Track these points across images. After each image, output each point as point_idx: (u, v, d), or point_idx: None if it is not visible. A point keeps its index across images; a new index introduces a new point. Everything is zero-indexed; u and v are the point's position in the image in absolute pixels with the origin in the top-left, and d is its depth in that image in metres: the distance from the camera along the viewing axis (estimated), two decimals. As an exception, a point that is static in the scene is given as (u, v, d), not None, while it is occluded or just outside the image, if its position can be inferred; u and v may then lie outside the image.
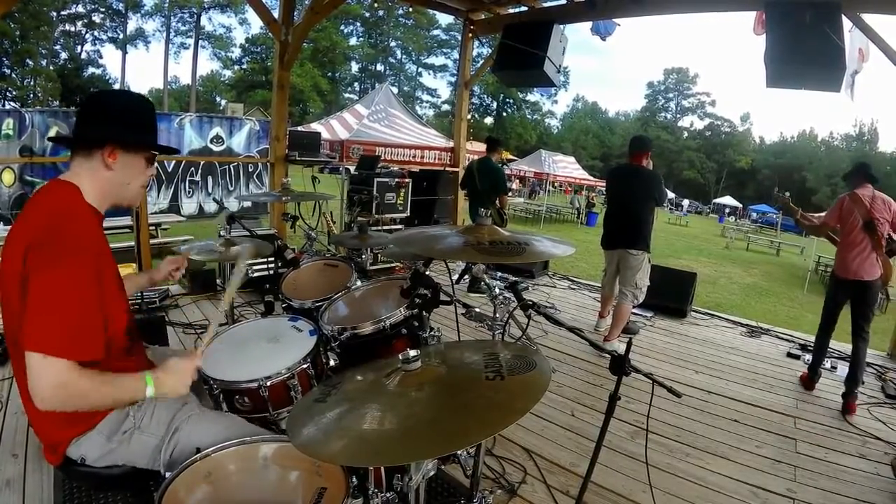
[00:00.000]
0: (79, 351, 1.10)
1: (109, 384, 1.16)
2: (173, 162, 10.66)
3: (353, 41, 49.87)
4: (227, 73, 44.46)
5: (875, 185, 3.40)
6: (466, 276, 5.34)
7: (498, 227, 1.63)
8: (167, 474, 1.19)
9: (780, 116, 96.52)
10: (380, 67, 51.86)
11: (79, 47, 36.13)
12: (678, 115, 57.18)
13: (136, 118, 1.35)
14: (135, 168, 1.35)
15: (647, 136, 4.55)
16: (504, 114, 52.31)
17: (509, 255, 1.49)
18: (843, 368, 3.86)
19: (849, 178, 3.54)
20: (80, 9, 34.34)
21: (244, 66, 43.89)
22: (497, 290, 1.77)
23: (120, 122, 1.30)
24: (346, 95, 46.81)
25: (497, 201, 5.19)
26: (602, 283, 4.54)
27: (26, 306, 1.09)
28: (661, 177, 4.15)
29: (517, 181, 29.52)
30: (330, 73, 46.43)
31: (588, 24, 5.64)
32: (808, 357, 4.13)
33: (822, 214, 3.76)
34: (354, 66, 51.43)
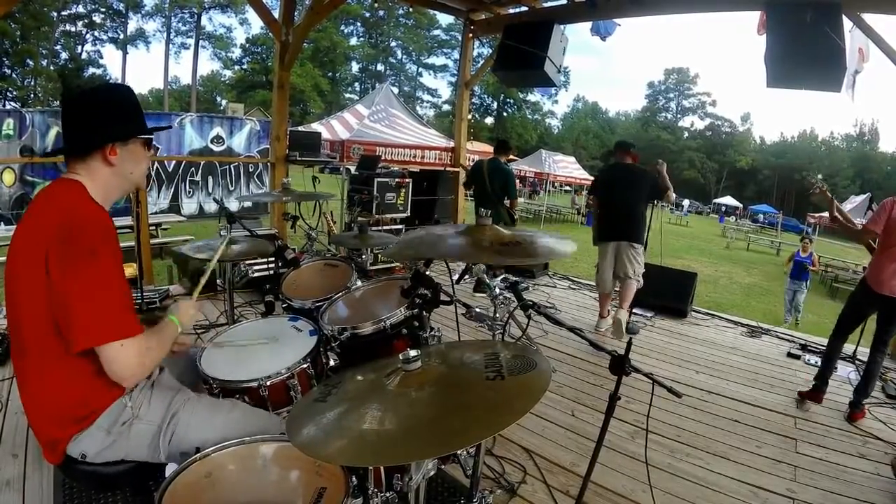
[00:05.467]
0: (137, 327, 1.22)
1: (159, 335, 1.33)
2: (173, 162, 10.68)
3: (353, 41, 49.94)
4: (228, 73, 44.53)
5: None
6: (467, 276, 5.34)
7: (499, 228, 1.63)
8: (167, 474, 1.19)
9: (781, 116, 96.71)
10: (380, 67, 51.89)
11: (79, 47, 36.14)
12: (679, 116, 57.21)
13: (124, 109, 1.35)
14: (136, 156, 1.37)
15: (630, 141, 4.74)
16: (504, 114, 52.29)
17: (519, 255, 1.50)
18: (844, 368, 3.86)
19: None
20: (81, 9, 34.35)
21: (244, 67, 43.90)
22: (497, 290, 1.77)
23: (110, 118, 1.31)
24: (347, 95, 46.82)
25: (511, 206, 5.29)
26: (596, 280, 4.52)
27: (74, 304, 1.14)
28: (653, 172, 4.30)
29: (517, 181, 29.50)
30: (330, 73, 46.43)
31: (588, 25, 5.64)
32: (809, 357, 4.13)
33: (819, 216, 3.63)
34: (355, 66, 51.49)
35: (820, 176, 3.64)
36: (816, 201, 3.74)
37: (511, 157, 7.01)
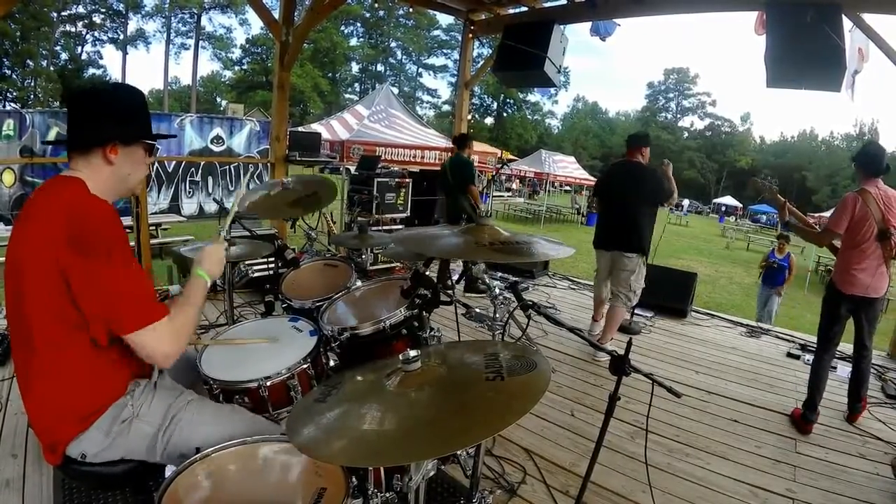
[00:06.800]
0: (162, 310, 1.26)
1: (190, 299, 1.36)
2: (173, 162, 10.68)
3: (353, 41, 49.90)
4: (228, 73, 44.50)
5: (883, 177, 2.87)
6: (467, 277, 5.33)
7: (499, 228, 1.64)
8: (167, 473, 1.20)
9: (781, 116, 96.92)
10: (380, 68, 51.88)
11: (79, 48, 36.13)
12: (678, 115, 57.22)
13: (131, 111, 1.36)
14: (135, 159, 1.37)
15: (645, 132, 4.37)
16: (504, 114, 52.31)
17: (513, 254, 1.50)
18: (844, 368, 3.85)
19: (861, 165, 2.89)
20: (81, 9, 34.32)
21: (244, 67, 43.89)
22: (497, 291, 1.77)
23: (116, 117, 1.32)
24: (347, 96, 46.82)
25: (469, 194, 5.17)
26: (594, 285, 4.40)
27: (103, 297, 1.18)
28: (658, 173, 3.93)
29: (517, 181, 29.52)
30: (330, 74, 46.41)
31: (588, 25, 5.64)
32: (809, 357, 4.12)
33: (819, 216, 3.43)
34: (355, 67, 51.44)
35: (773, 178, 3.29)
36: (769, 203, 3.34)
37: (506, 155, 6.99)
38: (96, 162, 1.30)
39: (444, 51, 51.57)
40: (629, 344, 1.41)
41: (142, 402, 1.36)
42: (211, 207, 10.64)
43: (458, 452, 1.64)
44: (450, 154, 5.73)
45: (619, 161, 4.14)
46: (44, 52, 32.40)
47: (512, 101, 51.37)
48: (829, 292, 3.02)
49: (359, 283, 2.32)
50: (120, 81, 1.47)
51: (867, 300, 2.86)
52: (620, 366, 1.34)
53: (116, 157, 1.31)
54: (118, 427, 1.32)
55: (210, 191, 11.33)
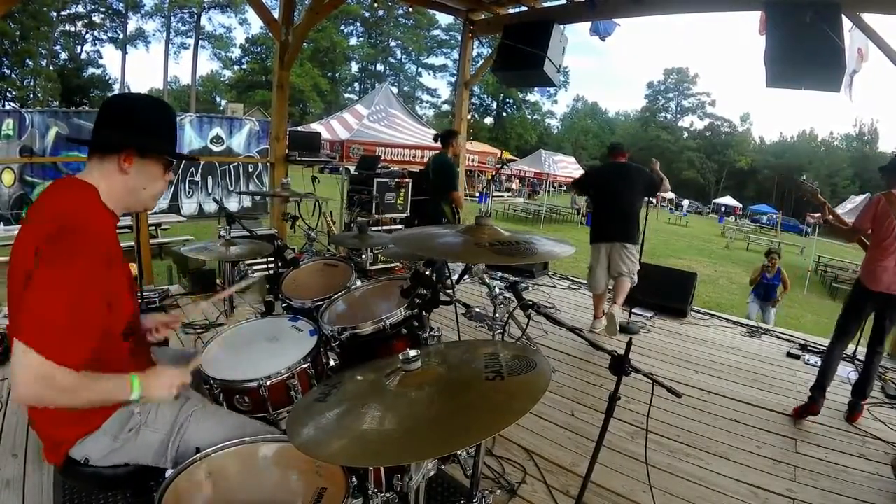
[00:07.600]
0: (61, 354, 1.05)
1: (94, 383, 1.12)
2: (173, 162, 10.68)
3: (353, 41, 49.99)
4: (227, 73, 44.54)
5: None
6: (467, 277, 5.31)
7: (499, 228, 1.63)
8: (167, 474, 1.19)
9: (780, 116, 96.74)
10: (380, 67, 51.92)
11: (79, 47, 36.17)
12: (678, 115, 57.21)
13: (155, 124, 1.32)
14: (151, 174, 1.33)
15: (620, 141, 4.97)
16: (504, 114, 52.36)
17: (514, 256, 1.49)
18: (843, 368, 3.85)
19: (887, 173, 3.03)
20: (80, 9, 34.37)
21: (244, 67, 43.91)
22: (497, 290, 1.77)
23: (137, 127, 1.29)
24: (346, 95, 46.87)
25: (451, 199, 4.95)
26: (588, 282, 4.52)
27: (26, 295, 1.08)
28: (646, 169, 4.35)
29: (517, 181, 29.53)
30: (330, 73, 46.44)
31: (588, 25, 5.64)
32: (809, 357, 4.13)
33: (817, 216, 3.48)
34: (354, 67, 51.53)
35: (816, 182, 3.48)
36: (811, 207, 3.50)
37: (505, 155, 6.85)
38: (110, 168, 1.27)
39: (444, 50, 51.69)
40: (629, 344, 1.41)
41: (149, 409, 1.36)
42: (210, 207, 10.64)
43: (459, 452, 1.64)
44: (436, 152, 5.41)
45: (609, 163, 4.50)
46: (43, 51, 32.38)
47: (512, 101, 51.41)
48: (856, 288, 3.16)
49: (359, 283, 2.32)
50: (155, 97, 1.37)
51: (893, 298, 2.93)
52: (620, 366, 1.33)
53: (130, 167, 1.27)
54: (125, 434, 1.31)
55: (210, 190, 11.34)
